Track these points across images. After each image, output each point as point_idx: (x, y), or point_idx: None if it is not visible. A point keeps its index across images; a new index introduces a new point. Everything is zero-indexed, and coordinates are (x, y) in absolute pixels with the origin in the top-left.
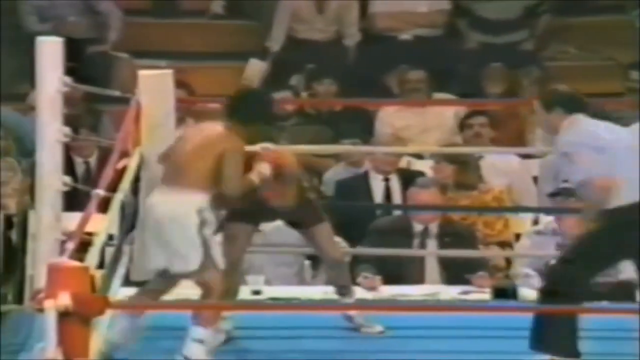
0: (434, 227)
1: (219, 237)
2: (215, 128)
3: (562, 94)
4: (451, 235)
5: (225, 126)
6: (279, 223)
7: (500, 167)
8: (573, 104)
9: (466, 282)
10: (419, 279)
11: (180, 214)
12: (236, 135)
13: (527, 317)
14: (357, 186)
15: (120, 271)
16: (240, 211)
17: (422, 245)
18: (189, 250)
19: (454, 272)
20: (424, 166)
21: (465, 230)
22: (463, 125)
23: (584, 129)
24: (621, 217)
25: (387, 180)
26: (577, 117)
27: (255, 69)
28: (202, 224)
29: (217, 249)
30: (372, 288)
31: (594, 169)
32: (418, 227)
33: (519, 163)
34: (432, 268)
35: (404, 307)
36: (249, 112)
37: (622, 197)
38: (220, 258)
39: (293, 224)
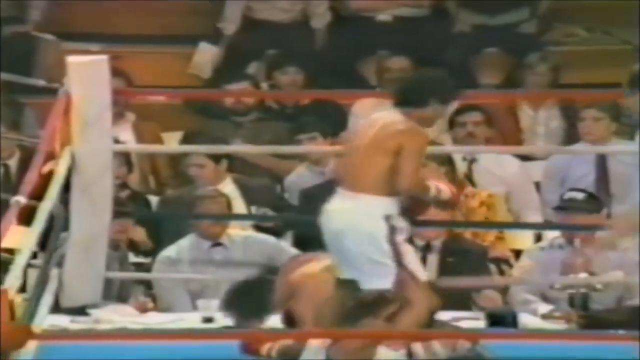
0: (437, 243)
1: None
2: (391, 117)
3: None
4: (457, 254)
5: (402, 113)
6: (245, 234)
7: (497, 172)
8: None
9: (467, 307)
10: None
11: (364, 222)
12: (416, 126)
13: (530, 347)
14: (325, 195)
15: (47, 295)
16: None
17: (422, 263)
18: (377, 265)
19: (455, 295)
20: None
21: (475, 249)
22: (453, 122)
23: None
24: None
25: None
26: None
27: (206, 56)
28: (392, 231)
29: (413, 260)
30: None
31: None
32: (419, 243)
33: (519, 167)
34: None
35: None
36: (426, 94)
37: None
38: (419, 269)
39: None
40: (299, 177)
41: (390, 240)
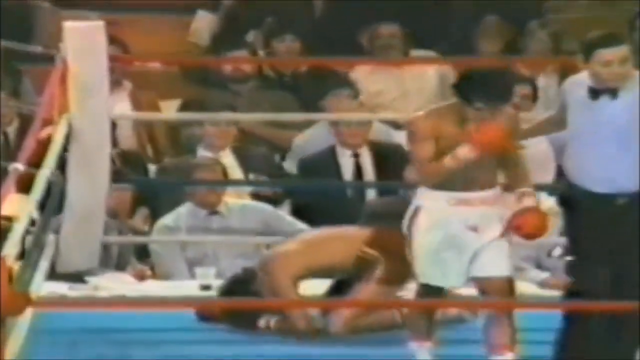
0: None
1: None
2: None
3: None
4: None
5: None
6: (243, 202)
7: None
8: None
9: None
10: None
11: None
12: (425, 112)
13: (526, 315)
14: (324, 164)
15: (44, 262)
16: None
17: None
18: None
19: None
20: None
21: None
22: None
23: None
24: None
25: (356, 155)
26: None
27: (204, 23)
28: (414, 214)
29: (420, 255)
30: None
31: None
32: None
33: (546, 146)
34: None
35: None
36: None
37: None
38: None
39: None
40: (307, 142)
41: (408, 226)
